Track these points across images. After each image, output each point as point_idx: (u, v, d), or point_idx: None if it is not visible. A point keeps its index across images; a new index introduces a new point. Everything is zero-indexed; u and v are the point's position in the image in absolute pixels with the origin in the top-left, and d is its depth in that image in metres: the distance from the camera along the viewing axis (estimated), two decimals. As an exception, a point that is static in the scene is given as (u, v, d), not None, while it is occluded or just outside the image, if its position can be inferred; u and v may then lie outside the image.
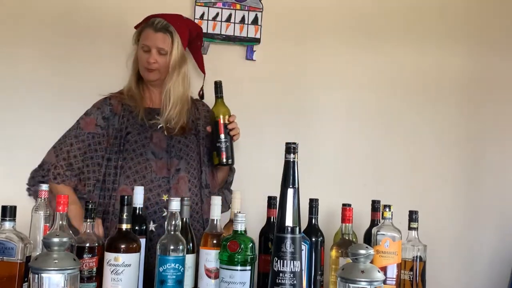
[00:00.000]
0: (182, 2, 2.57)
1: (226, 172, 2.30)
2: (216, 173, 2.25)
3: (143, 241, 1.61)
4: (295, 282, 1.33)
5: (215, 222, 1.61)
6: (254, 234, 1.76)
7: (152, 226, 1.97)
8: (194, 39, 2.30)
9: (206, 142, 2.21)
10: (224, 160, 2.08)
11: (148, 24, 2.14)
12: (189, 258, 1.57)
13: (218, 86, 2.15)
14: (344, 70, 2.68)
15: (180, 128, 2.14)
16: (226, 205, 2.16)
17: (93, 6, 2.51)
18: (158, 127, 2.13)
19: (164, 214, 1.99)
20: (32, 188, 2.09)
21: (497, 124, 2.75)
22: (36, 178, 2.09)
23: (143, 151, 2.09)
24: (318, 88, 2.65)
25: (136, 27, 2.21)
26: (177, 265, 1.46)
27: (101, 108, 2.14)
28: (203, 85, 2.35)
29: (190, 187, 2.12)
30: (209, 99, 2.29)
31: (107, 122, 2.12)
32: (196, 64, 2.41)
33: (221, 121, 2.09)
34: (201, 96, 2.36)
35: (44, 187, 1.70)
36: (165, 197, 2.03)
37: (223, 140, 2.08)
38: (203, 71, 2.38)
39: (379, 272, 1.27)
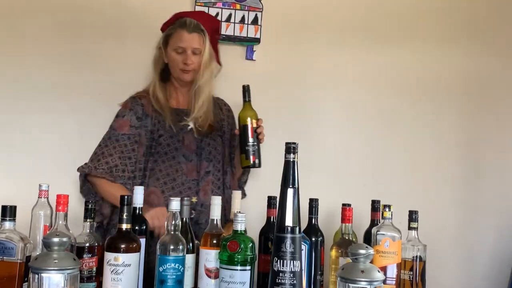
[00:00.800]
0: (182, 2, 2.57)
1: (241, 172, 2.33)
2: (235, 174, 2.28)
3: (143, 241, 1.61)
4: (295, 282, 1.33)
5: (215, 222, 1.61)
6: (254, 234, 1.76)
7: None
8: (214, 34, 2.30)
9: (230, 143, 2.25)
10: (254, 163, 2.09)
11: (180, 25, 2.11)
12: (189, 258, 1.57)
13: (246, 90, 2.15)
14: (344, 70, 2.68)
15: (208, 127, 2.16)
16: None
17: (93, 6, 2.51)
18: (188, 128, 2.15)
19: (192, 216, 1.98)
20: (84, 187, 2.13)
21: (497, 125, 2.75)
22: (81, 178, 2.12)
23: (175, 154, 2.11)
24: (318, 88, 2.65)
25: (162, 29, 2.19)
26: (177, 265, 1.46)
27: (134, 109, 2.13)
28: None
29: (213, 189, 2.15)
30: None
31: (140, 122, 2.11)
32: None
33: (250, 125, 2.10)
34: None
35: (44, 187, 1.70)
36: (194, 200, 2.05)
37: (252, 143, 2.09)
38: (219, 63, 2.36)
39: (379, 272, 1.27)
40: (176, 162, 2.10)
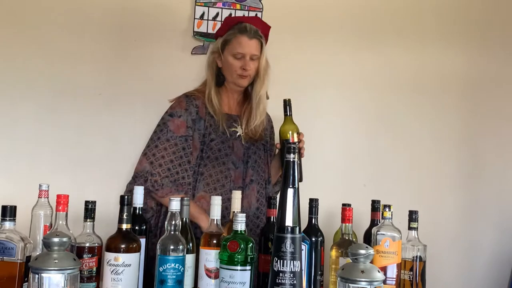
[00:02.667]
0: (182, 2, 2.57)
1: (275, 181, 2.32)
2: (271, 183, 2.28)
3: (143, 241, 1.61)
4: (295, 282, 1.33)
5: (215, 222, 1.61)
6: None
7: None
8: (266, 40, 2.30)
9: (270, 152, 2.25)
10: (298, 178, 2.08)
11: (241, 30, 2.10)
12: (189, 258, 1.57)
13: (287, 104, 2.15)
14: (344, 70, 2.68)
15: (259, 137, 2.16)
16: None
17: (93, 6, 2.51)
18: (237, 135, 2.14)
19: None
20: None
21: (496, 124, 2.75)
22: (130, 191, 1.96)
23: (226, 160, 2.09)
24: (318, 88, 2.66)
25: (219, 34, 2.17)
26: (177, 265, 1.46)
27: (189, 109, 2.09)
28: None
29: (259, 198, 2.14)
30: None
31: (194, 124, 2.08)
32: None
33: (293, 139, 2.10)
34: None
35: (44, 187, 1.70)
36: None
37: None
38: None
39: (379, 272, 1.27)
40: (226, 168, 2.09)
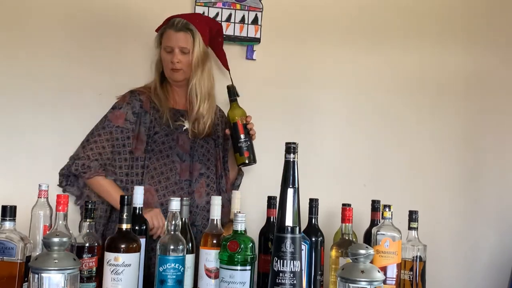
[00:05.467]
0: (182, 2, 2.57)
1: (235, 176, 2.34)
2: (229, 178, 2.29)
3: (143, 241, 1.61)
4: (295, 282, 1.33)
5: (215, 222, 1.61)
6: (254, 234, 1.76)
7: None
8: (215, 36, 2.31)
9: (224, 147, 2.26)
10: (248, 159, 2.12)
11: (169, 25, 2.14)
12: (189, 258, 1.57)
13: (231, 89, 2.21)
14: (344, 70, 2.68)
15: (206, 133, 2.17)
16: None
17: (93, 6, 2.51)
18: (183, 129, 2.15)
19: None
20: (65, 187, 2.09)
21: (496, 124, 2.75)
22: (62, 176, 2.08)
23: (170, 153, 2.11)
24: (318, 88, 2.65)
25: (157, 30, 2.21)
26: (177, 265, 1.46)
27: (131, 103, 2.12)
28: (232, 82, 2.31)
29: (209, 192, 2.14)
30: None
31: (137, 118, 2.10)
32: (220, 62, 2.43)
33: (240, 122, 2.14)
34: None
35: (44, 187, 1.70)
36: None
37: (244, 140, 2.13)
38: (227, 68, 2.38)
39: (379, 272, 1.27)
40: (170, 161, 2.10)
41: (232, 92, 2.21)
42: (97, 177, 2.01)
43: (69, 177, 2.07)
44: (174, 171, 2.10)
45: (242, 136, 2.13)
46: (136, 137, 2.09)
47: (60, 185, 2.09)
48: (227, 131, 2.19)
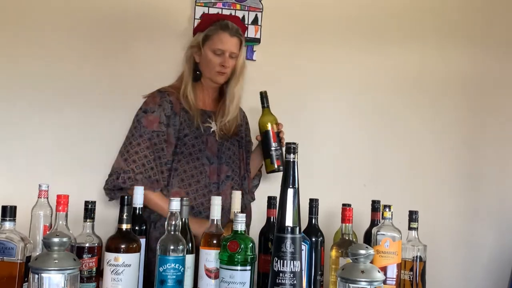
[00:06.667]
0: (182, 2, 2.57)
1: (253, 176, 2.34)
2: (250, 179, 2.29)
3: (143, 241, 1.61)
4: (295, 282, 1.33)
5: (215, 222, 1.61)
6: (254, 234, 1.76)
7: None
8: None
9: (246, 148, 2.26)
10: (278, 168, 2.11)
11: (222, 27, 2.11)
12: (188, 258, 1.56)
13: (263, 96, 2.20)
14: (344, 70, 2.68)
15: (232, 133, 2.17)
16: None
17: (93, 6, 2.51)
18: (211, 131, 2.14)
19: None
20: (113, 196, 2.03)
21: (496, 125, 2.76)
22: (109, 187, 2.01)
23: (199, 156, 2.09)
24: (318, 88, 2.66)
25: (200, 29, 2.18)
26: (177, 265, 1.46)
27: (162, 105, 2.08)
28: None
29: None
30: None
31: (169, 120, 2.07)
32: None
33: (272, 130, 2.13)
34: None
35: (44, 187, 1.70)
36: None
37: (276, 148, 2.12)
38: None
39: (379, 272, 1.26)
40: (200, 164, 2.08)
41: (265, 99, 2.19)
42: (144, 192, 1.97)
43: (114, 191, 2.02)
44: (204, 174, 2.08)
45: (275, 144, 2.12)
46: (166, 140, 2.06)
47: (110, 200, 2.06)
48: (258, 138, 2.18)
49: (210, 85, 2.19)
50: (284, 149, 2.12)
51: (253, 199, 2.34)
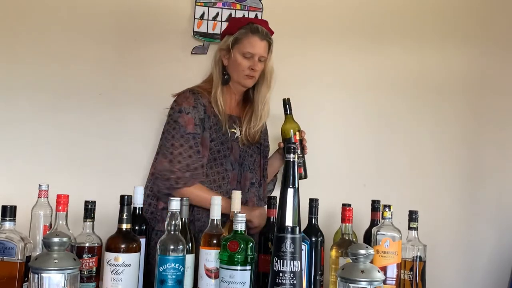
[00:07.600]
0: (182, 2, 2.57)
1: (268, 181, 2.32)
2: (266, 184, 2.27)
3: (143, 241, 1.61)
4: (295, 282, 1.33)
5: (215, 222, 1.61)
6: (254, 234, 1.76)
7: None
8: None
9: (264, 154, 2.24)
10: (300, 176, 2.11)
11: (253, 30, 2.09)
12: (189, 258, 1.57)
13: (286, 103, 2.19)
14: (344, 70, 2.68)
15: (256, 141, 2.16)
16: None
17: (93, 6, 2.51)
18: (235, 137, 2.12)
19: None
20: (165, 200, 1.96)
21: (496, 125, 2.75)
22: (161, 191, 1.96)
23: (224, 161, 2.07)
24: (318, 88, 2.65)
25: (227, 32, 2.15)
26: (177, 265, 1.46)
27: (197, 107, 2.03)
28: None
29: (258, 200, 2.14)
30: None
31: (203, 123, 2.04)
32: None
33: (294, 137, 2.13)
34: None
35: (44, 187, 1.70)
36: None
37: (299, 155, 2.10)
38: None
39: (379, 272, 1.27)
40: (223, 169, 2.06)
41: (288, 106, 2.19)
42: (188, 189, 1.94)
43: (165, 194, 1.96)
44: (226, 180, 2.06)
45: (298, 152, 2.10)
46: (201, 143, 2.02)
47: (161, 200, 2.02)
48: (281, 144, 2.17)
49: (237, 89, 2.16)
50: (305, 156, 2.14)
51: (266, 203, 2.33)
